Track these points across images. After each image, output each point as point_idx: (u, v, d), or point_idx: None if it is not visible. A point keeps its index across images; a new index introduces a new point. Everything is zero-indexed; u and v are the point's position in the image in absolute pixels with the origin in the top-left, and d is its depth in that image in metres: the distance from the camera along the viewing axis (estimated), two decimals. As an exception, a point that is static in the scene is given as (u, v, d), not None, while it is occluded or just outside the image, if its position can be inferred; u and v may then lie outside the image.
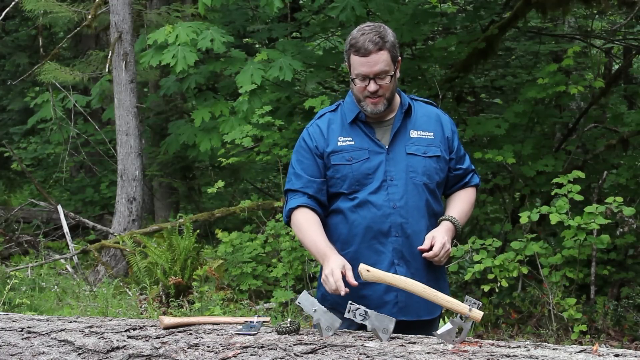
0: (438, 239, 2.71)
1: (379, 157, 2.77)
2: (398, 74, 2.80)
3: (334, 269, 2.59)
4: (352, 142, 2.80)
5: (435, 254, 2.69)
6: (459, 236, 6.14)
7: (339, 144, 2.80)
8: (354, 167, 2.77)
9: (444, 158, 2.84)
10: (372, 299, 2.72)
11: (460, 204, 2.89)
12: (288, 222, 2.87)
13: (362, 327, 2.51)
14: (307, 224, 2.78)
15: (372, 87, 2.71)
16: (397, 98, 2.86)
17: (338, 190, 2.80)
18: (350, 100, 2.85)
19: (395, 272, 2.69)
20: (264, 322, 2.60)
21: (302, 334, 2.47)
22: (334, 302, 2.74)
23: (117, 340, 2.48)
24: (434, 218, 2.82)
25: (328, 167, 2.81)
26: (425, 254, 2.70)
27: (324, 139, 2.83)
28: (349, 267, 2.61)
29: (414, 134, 2.81)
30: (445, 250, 2.71)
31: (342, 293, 2.55)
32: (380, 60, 2.68)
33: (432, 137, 2.83)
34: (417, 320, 2.76)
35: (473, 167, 2.98)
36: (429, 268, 2.78)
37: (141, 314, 6.23)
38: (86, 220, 8.97)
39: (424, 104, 2.93)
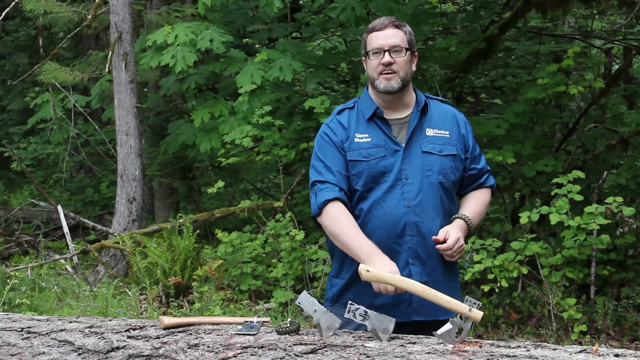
0: (452, 233, 2.69)
1: (395, 155, 2.75)
2: (414, 68, 2.82)
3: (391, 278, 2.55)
4: (369, 139, 2.78)
5: (449, 246, 2.67)
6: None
7: (355, 140, 2.79)
8: (371, 164, 2.75)
9: (460, 157, 2.82)
10: (387, 297, 2.68)
11: (475, 204, 2.88)
12: (318, 214, 2.75)
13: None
14: (347, 219, 2.69)
15: (387, 58, 2.72)
16: (413, 95, 2.85)
17: (353, 187, 2.78)
18: (366, 97, 2.85)
19: (410, 272, 2.68)
20: (264, 322, 2.60)
21: (302, 334, 2.47)
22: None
23: (117, 340, 2.47)
24: (449, 217, 2.80)
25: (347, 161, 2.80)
26: (438, 246, 2.69)
27: (345, 134, 2.81)
28: (397, 270, 2.58)
29: (429, 132, 2.80)
30: (459, 246, 2.69)
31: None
32: (397, 35, 2.75)
33: (448, 136, 2.81)
34: (432, 320, 2.72)
35: (489, 168, 2.96)
36: (445, 267, 2.76)
37: (141, 314, 6.23)
38: (86, 221, 8.97)
39: (440, 102, 2.92)
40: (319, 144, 2.84)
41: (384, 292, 2.57)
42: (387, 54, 2.72)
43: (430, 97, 2.92)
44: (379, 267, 2.54)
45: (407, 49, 2.75)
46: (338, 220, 2.70)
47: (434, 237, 2.69)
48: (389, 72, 2.73)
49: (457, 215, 2.80)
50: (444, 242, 2.69)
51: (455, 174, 2.81)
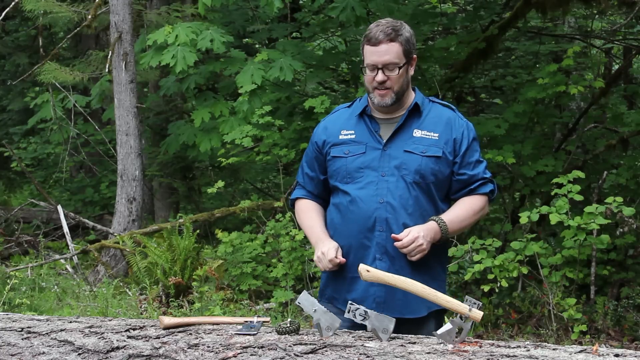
0: (412, 231, 2.70)
1: (374, 152, 2.80)
2: (412, 72, 2.82)
3: (330, 249, 2.75)
4: (353, 136, 2.85)
5: (403, 244, 2.68)
6: (460, 236, 6.17)
7: (340, 137, 2.88)
8: (349, 160, 2.83)
9: (446, 160, 2.81)
10: (357, 292, 2.78)
11: (458, 209, 2.85)
12: (292, 209, 3.15)
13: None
14: (306, 210, 3.00)
15: (380, 77, 2.74)
16: (412, 96, 2.87)
17: (334, 182, 2.88)
18: (366, 95, 2.91)
19: (376, 267, 2.68)
20: (264, 322, 2.60)
21: (302, 334, 2.47)
22: (330, 297, 2.85)
23: (117, 340, 2.47)
24: (427, 217, 2.80)
25: (329, 159, 2.89)
26: (395, 243, 2.70)
27: (324, 133, 2.93)
28: (340, 251, 2.78)
29: (417, 133, 2.81)
30: (417, 245, 2.68)
31: (338, 261, 2.74)
32: (391, 51, 2.72)
33: (437, 138, 2.81)
34: (402, 318, 2.71)
35: (487, 176, 2.91)
36: (417, 267, 2.75)
37: (141, 314, 6.23)
38: (86, 220, 8.97)
39: (441, 106, 2.92)
40: (310, 141, 3.03)
41: (323, 268, 2.78)
42: (380, 72, 2.74)
43: (433, 100, 2.93)
44: (320, 249, 2.78)
45: (401, 65, 2.74)
46: (299, 214, 3.03)
47: (393, 234, 2.71)
48: (382, 88, 2.76)
49: (432, 218, 2.79)
50: None
51: (437, 176, 2.80)
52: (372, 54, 2.73)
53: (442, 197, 2.87)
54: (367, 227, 2.77)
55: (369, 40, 2.74)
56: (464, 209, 2.86)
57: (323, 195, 2.99)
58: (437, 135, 2.82)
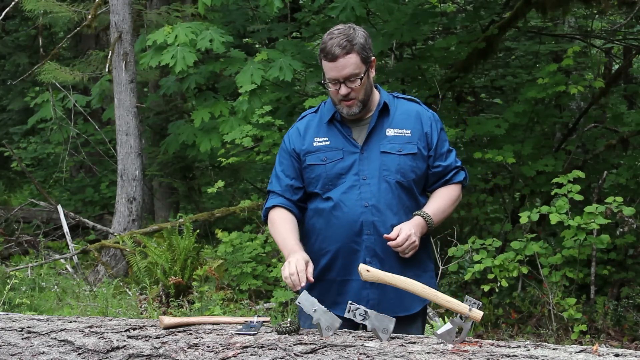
0: (404, 230, 2.71)
1: (352, 157, 2.81)
2: (373, 74, 2.82)
3: (299, 259, 2.63)
4: (328, 142, 2.85)
5: (398, 243, 2.69)
6: (460, 236, 6.16)
7: (314, 144, 2.86)
8: (328, 167, 2.82)
9: (422, 155, 2.84)
10: (349, 295, 2.78)
11: (437, 200, 2.88)
12: (266, 221, 2.96)
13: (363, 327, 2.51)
14: (280, 221, 2.86)
15: (343, 90, 2.74)
16: (376, 96, 2.87)
17: (313, 190, 2.86)
18: (330, 100, 2.89)
19: None
20: (264, 322, 2.60)
21: (302, 334, 2.47)
22: (317, 299, 2.81)
23: (117, 340, 2.48)
24: (410, 213, 2.82)
25: (305, 167, 2.87)
26: (389, 243, 2.72)
27: (300, 141, 2.89)
28: (311, 264, 2.67)
29: (390, 132, 2.82)
30: (410, 242, 2.70)
31: (297, 288, 2.60)
32: (349, 64, 2.70)
33: (410, 135, 2.83)
34: (395, 316, 2.74)
35: (459, 164, 2.94)
36: (406, 264, 2.77)
37: (141, 314, 6.23)
38: (86, 220, 8.97)
39: (406, 101, 2.93)
40: (279, 151, 2.98)
41: (290, 286, 2.63)
42: (342, 86, 2.73)
43: (397, 96, 2.95)
44: (292, 261, 2.64)
45: (362, 75, 2.73)
46: (273, 224, 2.89)
47: (385, 235, 2.72)
48: (348, 99, 2.76)
49: (416, 212, 2.81)
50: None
51: (417, 172, 2.83)
52: (331, 70, 2.72)
53: (421, 192, 2.90)
54: (354, 232, 2.78)
55: (326, 56, 2.71)
56: (443, 200, 2.89)
57: (302, 202, 2.93)
58: (409, 131, 2.83)
